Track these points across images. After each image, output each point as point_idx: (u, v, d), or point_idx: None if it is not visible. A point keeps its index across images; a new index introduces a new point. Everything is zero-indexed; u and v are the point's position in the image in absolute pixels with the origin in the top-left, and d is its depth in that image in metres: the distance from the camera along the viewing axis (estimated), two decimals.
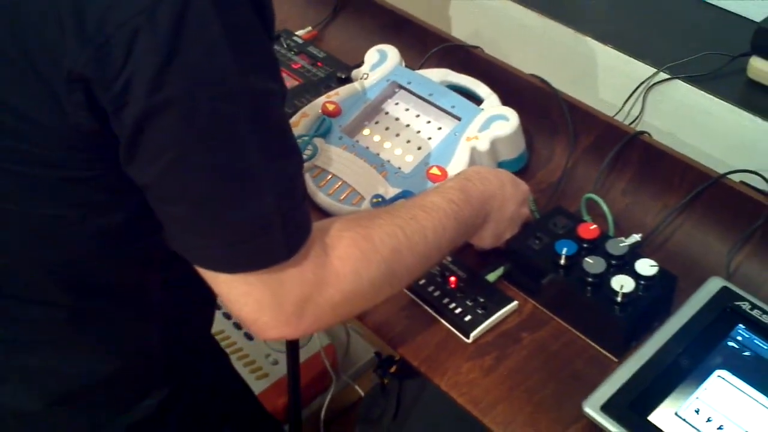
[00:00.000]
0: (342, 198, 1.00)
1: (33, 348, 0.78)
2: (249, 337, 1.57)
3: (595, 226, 0.89)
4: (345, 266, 0.72)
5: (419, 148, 1.05)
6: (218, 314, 1.37)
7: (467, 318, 0.88)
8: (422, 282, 0.91)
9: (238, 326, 1.58)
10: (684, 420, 0.77)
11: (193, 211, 0.66)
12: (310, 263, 0.69)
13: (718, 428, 0.76)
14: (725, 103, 1.06)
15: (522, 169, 1.06)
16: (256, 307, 0.69)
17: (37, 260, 0.74)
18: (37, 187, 0.70)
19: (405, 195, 0.98)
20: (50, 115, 0.65)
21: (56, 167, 0.68)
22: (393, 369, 1.31)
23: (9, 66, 0.64)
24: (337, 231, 0.73)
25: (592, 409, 0.78)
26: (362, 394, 1.59)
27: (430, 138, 1.06)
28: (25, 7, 0.62)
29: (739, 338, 0.83)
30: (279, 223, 0.67)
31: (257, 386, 1.48)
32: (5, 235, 0.73)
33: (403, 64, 1.15)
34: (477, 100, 1.10)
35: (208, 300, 0.87)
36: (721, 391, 0.79)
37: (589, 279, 0.85)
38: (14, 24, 0.63)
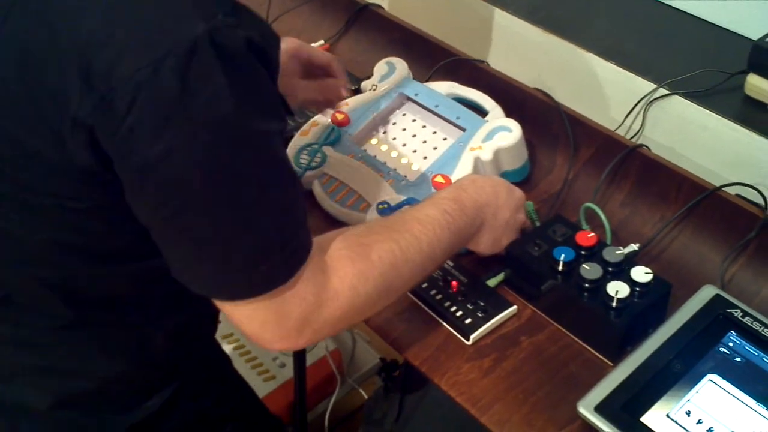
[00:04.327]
0: (349, 204, 1.04)
1: (38, 350, 0.81)
2: None
3: (592, 234, 0.92)
4: (343, 284, 0.74)
5: (425, 158, 1.08)
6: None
7: (468, 321, 0.91)
8: (425, 285, 0.94)
9: None
10: (675, 422, 0.80)
11: (195, 249, 0.69)
12: (310, 284, 0.72)
13: (707, 430, 0.79)
14: (722, 118, 1.09)
15: (524, 179, 1.09)
16: (259, 325, 0.72)
17: (37, 277, 0.76)
18: (37, 214, 0.72)
19: (410, 202, 1.01)
20: (53, 152, 0.66)
21: (57, 197, 0.70)
22: (396, 373, 1.34)
23: (14, 101, 0.66)
24: (336, 250, 0.76)
25: (586, 409, 0.81)
26: (366, 397, 1.61)
27: (435, 148, 1.09)
28: (32, 52, 0.64)
29: (731, 344, 0.86)
30: (278, 251, 0.69)
31: (264, 388, 1.51)
32: (7, 254, 0.75)
33: (411, 76, 1.19)
34: (482, 112, 1.14)
35: (211, 308, 0.90)
36: (712, 394, 0.82)
37: (586, 285, 0.88)
38: (21, 66, 0.64)
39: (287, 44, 1.05)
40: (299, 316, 0.72)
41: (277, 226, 0.70)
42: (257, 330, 0.73)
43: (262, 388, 1.50)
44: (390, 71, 1.19)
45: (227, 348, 1.57)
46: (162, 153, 0.63)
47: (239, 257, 0.69)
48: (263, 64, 0.66)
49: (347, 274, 0.75)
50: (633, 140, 1.15)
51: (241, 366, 1.55)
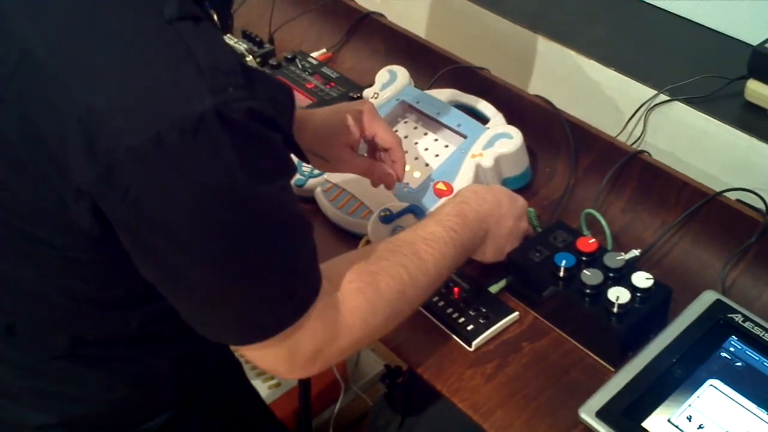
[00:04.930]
0: (351, 212, 1.05)
1: (42, 376, 0.81)
2: None
3: (593, 239, 0.93)
4: (354, 318, 0.75)
5: (426, 165, 1.09)
6: None
7: (470, 327, 0.92)
8: None
9: None
10: (676, 427, 0.80)
11: (204, 306, 0.70)
12: (320, 321, 0.73)
13: None
14: (723, 124, 1.09)
15: (526, 185, 1.10)
16: (272, 361, 0.74)
17: (40, 314, 0.77)
18: (42, 262, 0.72)
19: (412, 209, 1.02)
20: (57, 212, 0.66)
21: (62, 249, 0.70)
22: (400, 379, 1.34)
23: (19, 161, 0.65)
24: (346, 283, 0.76)
25: (587, 414, 0.81)
26: (371, 404, 1.62)
27: (437, 155, 1.10)
28: (35, 117, 0.62)
29: (732, 349, 0.86)
30: (287, 300, 0.70)
31: (269, 395, 1.52)
32: (12, 290, 0.76)
33: (413, 84, 1.20)
34: (483, 119, 1.14)
35: None
36: (713, 399, 0.82)
37: (587, 290, 0.88)
38: (24, 130, 0.63)
39: (351, 112, 0.96)
40: (312, 350, 0.74)
41: (286, 280, 0.70)
42: (271, 365, 0.75)
43: (267, 396, 1.51)
44: (391, 79, 1.19)
45: None
46: (166, 221, 0.62)
47: (247, 311, 0.70)
48: (272, 127, 0.65)
49: (358, 307, 0.76)
50: (634, 146, 1.15)
51: (245, 373, 1.56)
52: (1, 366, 0.81)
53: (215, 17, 0.71)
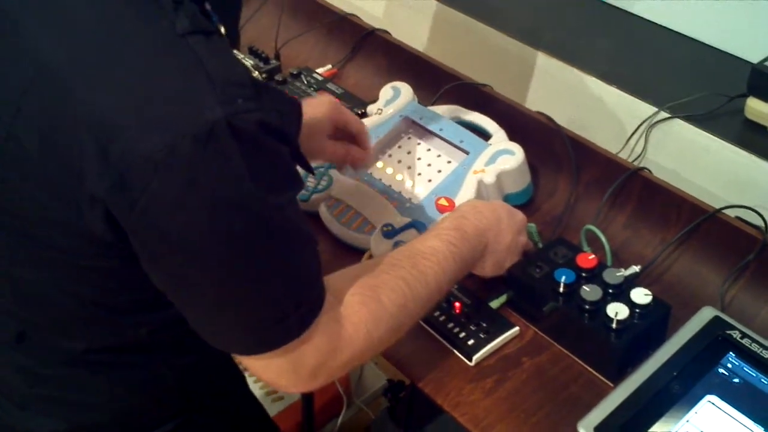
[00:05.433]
0: (354, 226, 1.06)
1: (51, 382, 0.82)
2: None
3: (593, 256, 0.94)
4: (357, 331, 0.77)
5: (429, 180, 1.10)
6: None
7: (470, 342, 0.92)
8: None
9: None
10: None
11: (210, 313, 0.71)
12: (324, 334, 0.74)
13: None
14: (723, 141, 1.10)
15: (527, 202, 1.11)
16: (276, 374, 0.75)
17: (50, 320, 0.78)
18: (55, 269, 0.73)
19: (414, 224, 1.03)
20: (73, 219, 0.67)
21: (75, 256, 0.71)
22: (402, 394, 1.35)
23: (37, 169, 0.67)
24: (349, 296, 0.77)
25: (586, 429, 0.81)
26: (373, 418, 1.62)
27: (439, 171, 1.11)
28: (51, 126, 0.64)
29: (730, 365, 0.87)
30: (292, 312, 0.71)
31: (273, 408, 1.53)
32: (23, 297, 0.77)
33: (416, 100, 1.21)
34: (486, 135, 1.15)
35: None
36: (710, 415, 0.83)
37: (586, 306, 0.89)
38: (41, 139, 0.65)
39: (326, 106, 1.07)
40: (314, 364, 0.75)
41: (291, 290, 0.71)
42: (274, 378, 0.75)
43: (270, 409, 1.52)
44: (395, 95, 1.21)
45: None
46: (177, 229, 0.64)
47: (253, 320, 0.71)
48: (280, 140, 0.67)
49: (360, 320, 0.77)
50: (636, 163, 1.16)
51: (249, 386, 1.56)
52: (11, 373, 0.83)
53: (222, 31, 0.73)
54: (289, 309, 0.71)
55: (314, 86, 1.32)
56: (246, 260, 0.67)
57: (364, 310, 0.77)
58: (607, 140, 1.17)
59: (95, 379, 0.82)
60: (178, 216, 0.63)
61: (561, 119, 1.15)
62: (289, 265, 0.71)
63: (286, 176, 0.70)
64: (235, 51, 1.34)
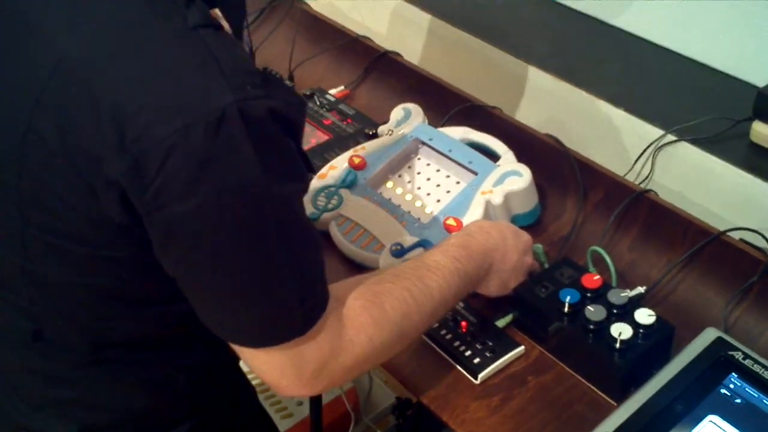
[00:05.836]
0: (364, 245, 1.08)
1: (64, 383, 0.84)
2: None
3: (598, 276, 0.95)
4: (359, 335, 0.78)
5: (438, 201, 1.12)
6: None
7: (476, 360, 0.94)
8: (435, 326, 0.97)
9: None
10: None
11: (217, 301, 0.74)
12: (327, 335, 0.76)
13: None
14: (729, 164, 1.11)
15: (535, 222, 1.13)
16: (277, 373, 0.76)
17: (66, 316, 0.81)
18: (71, 260, 0.76)
19: (423, 244, 1.05)
20: (88, 205, 0.70)
21: (90, 245, 0.74)
22: (410, 412, 1.36)
23: (53, 157, 0.70)
24: (351, 300, 0.79)
25: None
26: None
27: (448, 191, 1.13)
28: (70, 114, 0.68)
29: (732, 386, 0.87)
30: (298, 306, 0.74)
31: (282, 425, 1.54)
32: (40, 293, 0.80)
33: (426, 121, 1.23)
34: (494, 156, 1.17)
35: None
36: None
37: (591, 326, 0.90)
38: (60, 126, 0.69)
39: None
40: (316, 365, 0.76)
41: (297, 283, 0.73)
42: (275, 376, 0.77)
43: (279, 425, 1.52)
44: (406, 116, 1.23)
45: None
46: (188, 213, 0.67)
47: (259, 310, 0.73)
48: (287, 131, 0.71)
49: (363, 324, 0.79)
50: (643, 185, 1.17)
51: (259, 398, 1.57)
52: (27, 375, 0.85)
53: (228, 28, 0.77)
54: (294, 303, 0.73)
55: (326, 107, 1.35)
56: (254, 246, 0.70)
57: (365, 314, 0.79)
58: (614, 162, 1.18)
59: (109, 379, 0.84)
60: (189, 199, 0.66)
61: (569, 141, 1.17)
62: (294, 258, 0.73)
63: (293, 167, 0.72)
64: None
